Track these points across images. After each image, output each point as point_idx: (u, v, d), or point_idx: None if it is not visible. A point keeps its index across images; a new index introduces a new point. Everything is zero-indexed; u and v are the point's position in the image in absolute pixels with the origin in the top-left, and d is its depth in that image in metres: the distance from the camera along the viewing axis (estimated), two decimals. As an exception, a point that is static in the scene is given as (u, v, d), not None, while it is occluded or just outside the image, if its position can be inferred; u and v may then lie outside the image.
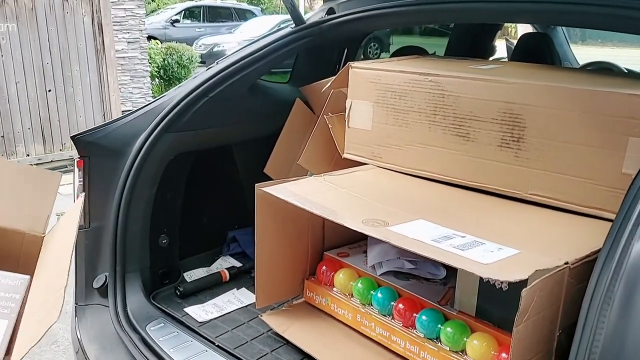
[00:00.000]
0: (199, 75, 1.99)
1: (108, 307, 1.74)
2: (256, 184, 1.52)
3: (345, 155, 1.85)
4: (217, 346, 1.58)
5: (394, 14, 1.97)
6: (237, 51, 2.11)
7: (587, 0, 1.55)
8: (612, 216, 1.32)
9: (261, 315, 1.65)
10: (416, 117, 1.70)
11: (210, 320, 1.72)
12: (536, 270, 1.06)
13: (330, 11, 2.14)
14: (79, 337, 1.71)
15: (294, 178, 1.61)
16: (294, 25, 2.13)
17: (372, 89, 1.77)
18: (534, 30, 3.46)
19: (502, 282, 1.29)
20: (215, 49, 13.17)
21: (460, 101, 1.60)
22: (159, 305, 1.77)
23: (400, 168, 1.75)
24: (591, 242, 1.21)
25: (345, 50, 2.36)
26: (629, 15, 1.48)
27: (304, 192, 1.52)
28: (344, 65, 2.35)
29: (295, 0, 2.08)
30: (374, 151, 1.80)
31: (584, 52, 4.08)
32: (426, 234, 1.27)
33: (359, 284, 1.56)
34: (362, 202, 1.51)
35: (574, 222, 1.39)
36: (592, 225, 1.36)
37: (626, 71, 3.38)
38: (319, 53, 2.24)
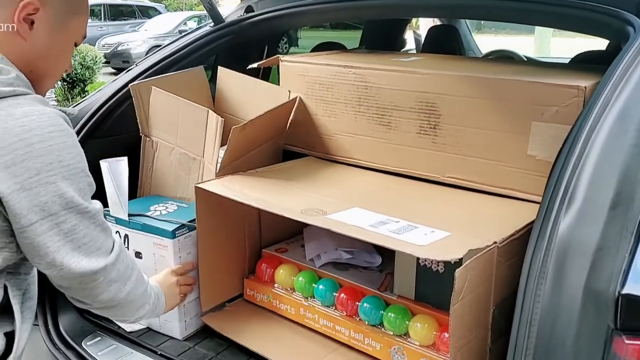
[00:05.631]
0: (119, 78, 1.94)
1: (38, 325, 1.65)
2: (195, 183, 1.51)
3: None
4: (160, 355, 1.54)
5: (312, 12, 2.02)
6: (156, 52, 2.06)
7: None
8: (522, 195, 1.46)
9: (202, 318, 1.64)
10: (343, 108, 1.76)
11: (148, 329, 1.68)
12: (469, 250, 1.13)
13: (249, 9, 2.15)
14: (7, 360, 1.62)
15: (230, 174, 1.61)
16: (212, 24, 2.11)
17: (301, 81, 1.82)
18: (441, 23, 3.61)
19: (438, 265, 1.36)
20: (119, 48, 12.73)
21: (382, 92, 1.67)
22: (92, 319, 1.70)
23: (331, 157, 1.81)
24: (513, 222, 1.31)
25: (266, 48, 2.36)
26: (518, 8, 1.63)
27: (240, 186, 1.53)
28: (266, 63, 2.36)
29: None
30: (307, 141, 1.86)
31: (480, 41, 4.34)
32: (363, 220, 1.32)
33: (300, 278, 1.59)
34: (298, 193, 1.54)
35: (492, 203, 1.49)
36: (509, 205, 1.47)
37: (525, 59, 3.62)
38: (239, 52, 2.23)
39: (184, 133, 1.72)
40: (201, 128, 1.65)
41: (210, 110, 1.63)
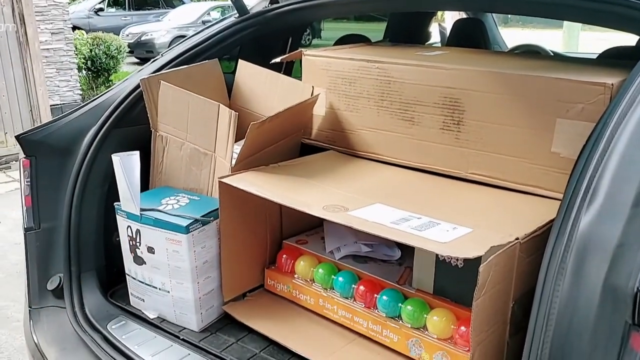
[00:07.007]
0: (145, 68, 1.97)
1: (65, 308, 1.70)
2: (218, 176, 1.53)
3: (302, 141, 1.91)
4: (182, 340, 1.58)
5: (337, 3, 2.01)
6: (181, 43, 2.09)
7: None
8: (545, 192, 1.45)
9: (223, 307, 1.67)
10: (365, 103, 1.76)
11: (171, 315, 1.71)
12: (491, 247, 1.13)
13: (274, 0, 2.15)
14: (35, 340, 1.67)
15: (253, 168, 1.62)
16: (237, 15, 2.13)
17: (324, 75, 1.82)
18: (466, 16, 3.58)
19: (458, 260, 1.37)
20: (143, 38, 12.83)
21: (405, 87, 1.67)
22: (117, 303, 1.75)
23: (352, 152, 1.81)
24: (536, 218, 1.31)
25: (290, 39, 2.37)
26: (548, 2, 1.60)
27: (263, 181, 1.54)
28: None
29: (239, -10, 2.07)
30: (328, 136, 1.86)
31: (507, 34, 4.29)
32: (385, 217, 1.33)
33: (320, 270, 1.61)
34: (321, 188, 1.55)
35: (515, 199, 1.49)
36: (532, 202, 1.46)
37: (552, 53, 3.58)
38: (263, 43, 2.25)
39: (194, 128, 1.71)
40: (212, 123, 1.64)
41: (221, 105, 1.61)
